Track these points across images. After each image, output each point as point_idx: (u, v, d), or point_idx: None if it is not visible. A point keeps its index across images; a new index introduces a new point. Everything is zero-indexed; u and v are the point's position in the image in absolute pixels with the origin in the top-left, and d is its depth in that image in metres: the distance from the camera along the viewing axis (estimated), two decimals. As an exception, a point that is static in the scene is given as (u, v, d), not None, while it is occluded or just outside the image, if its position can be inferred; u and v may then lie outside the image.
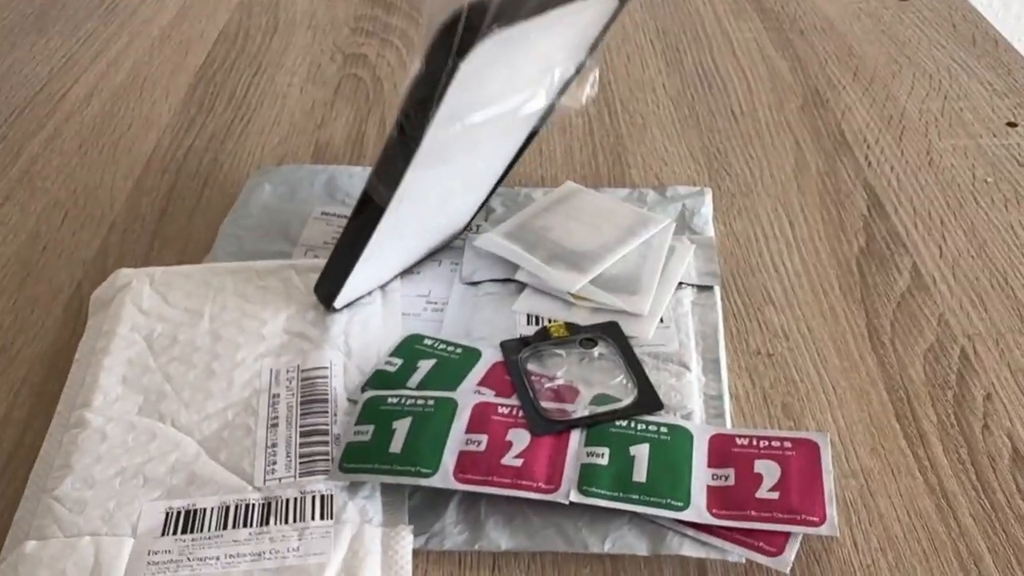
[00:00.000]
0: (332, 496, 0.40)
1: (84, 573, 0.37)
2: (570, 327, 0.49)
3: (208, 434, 0.43)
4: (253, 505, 0.40)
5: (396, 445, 0.42)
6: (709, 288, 0.53)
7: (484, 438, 0.42)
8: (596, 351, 0.48)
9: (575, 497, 0.40)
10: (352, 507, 0.40)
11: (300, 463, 0.41)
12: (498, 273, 0.53)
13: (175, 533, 0.39)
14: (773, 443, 0.42)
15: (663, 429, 0.43)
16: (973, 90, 0.72)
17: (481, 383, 0.46)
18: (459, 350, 0.48)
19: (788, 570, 0.38)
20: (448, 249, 0.56)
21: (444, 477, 0.41)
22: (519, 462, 0.41)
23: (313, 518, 0.39)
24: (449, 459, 0.41)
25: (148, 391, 0.44)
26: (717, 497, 0.40)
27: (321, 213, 0.59)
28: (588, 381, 0.46)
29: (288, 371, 0.45)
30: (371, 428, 0.43)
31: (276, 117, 0.70)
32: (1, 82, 0.75)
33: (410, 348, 0.48)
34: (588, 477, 0.41)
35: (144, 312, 0.48)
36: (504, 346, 0.48)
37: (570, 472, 0.41)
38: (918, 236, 0.57)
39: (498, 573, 0.40)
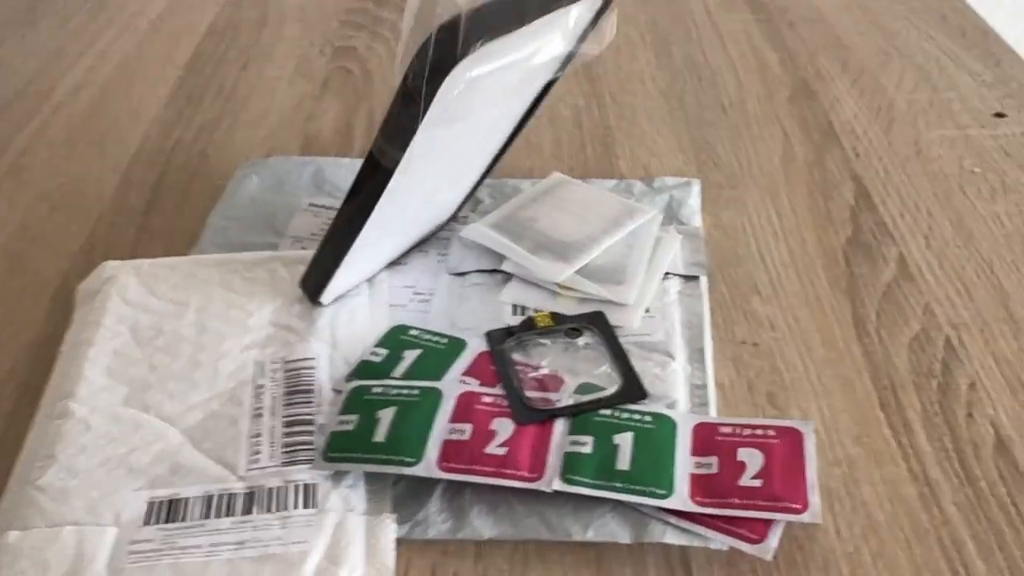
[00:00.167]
0: (315, 485, 0.40)
1: (66, 563, 0.37)
2: (556, 317, 0.49)
3: (192, 424, 0.43)
4: (236, 494, 0.40)
5: (380, 435, 0.42)
6: (695, 278, 0.53)
7: (468, 427, 0.42)
8: (581, 341, 0.48)
9: (558, 486, 0.40)
10: (335, 496, 0.40)
11: (284, 453, 0.42)
12: (485, 263, 0.53)
13: (158, 523, 0.39)
14: (757, 431, 0.42)
15: (647, 418, 0.43)
16: (962, 81, 0.72)
17: (466, 373, 0.46)
18: (444, 340, 0.48)
19: (770, 557, 0.38)
20: (435, 240, 0.56)
21: (428, 466, 0.41)
22: (503, 451, 0.41)
23: (296, 507, 0.39)
24: (433, 448, 0.41)
25: (133, 382, 0.44)
26: (700, 485, 0.40)
27: (309, 205, 0.59)
28: (573, 370, 0.46)
29: (273, 362, 0.45)
30: (355, 418, 0.43)
31: (265, 110, 0.70)
32: (-11, 75, 0.75)
33: (395, 338, 0.48)
34: (572, 465, 0.41)
35: (130, 304, 0.48)
36: (490, 336, 0.48)
37: (554, 461, 0.41)
38: (905, 226, 0.57)
39: (481, 562, 0.40)
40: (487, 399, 0.44)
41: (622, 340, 0.48)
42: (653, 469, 0.41)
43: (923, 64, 0.74)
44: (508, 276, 0.52)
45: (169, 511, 0.39)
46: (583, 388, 0.45)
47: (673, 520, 0.40)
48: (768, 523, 0.39)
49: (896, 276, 0.54)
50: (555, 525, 0.40)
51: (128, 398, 0.44)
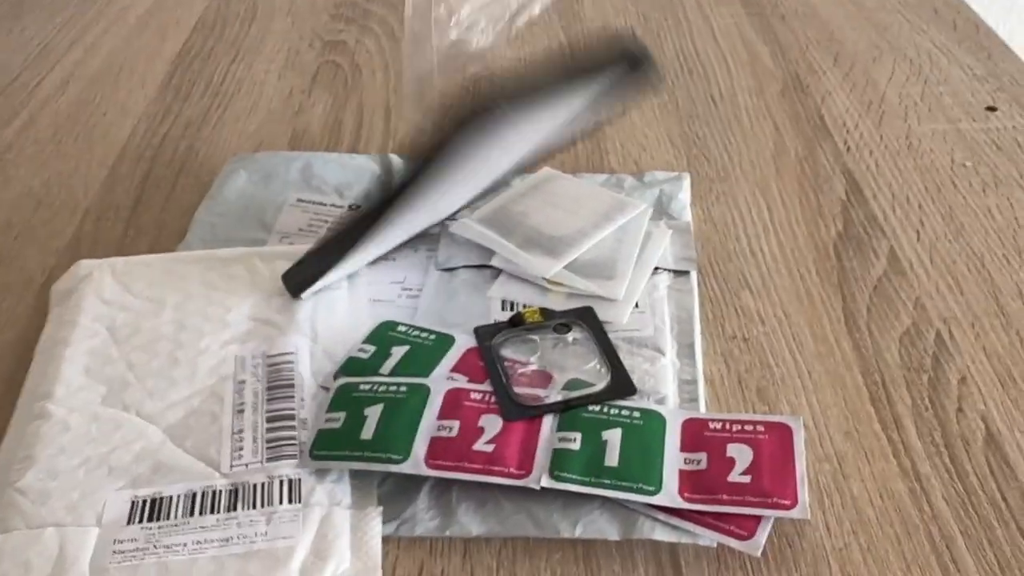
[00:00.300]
0: (300, 480, 0.40)
1: (48, 564, 0.37)
2: (545, 312, 0.49)
3: (173, 422, 0.42)
4: (220, 491, 0.40)
5: (367, 432, 0.41)
6: (685, 273, 0.52)
7: (456, 424, 0.42)
8: (570, 336, 0.48)
9: (546, 482, 0.40)
10: (320, 490, 0.40)
11: (267, 448, 0.41)
12: (474, 259, 0.53)
13: (141, 521, 0.39)
14: (746, 427, 0.42)
15: (636, 414, 0.43)
16: (953, 75, 0.72)
17: (454, 369, 0.45)
18: (433, 336, 0.47)
19: (759, 553, 0.38)
20: (424, 236, 0.55)
21: (415, 464, 0.40)
22: (491, 448, 0.41)
23: (281, 502, 0.39)
24: (420, 445, 0.41)
25: (111, 381, 0.44)
26: (689, 481, 0.40)
27: (297, 200, 0.58)
28: (562, 366, 0.46)
29: (254, 357, 0.45)
30: (342, 415, 0.42)
31: (253, 104, 0.70)
32: (-25, 70, 0.74)
33: (383, 335, 0.48)
34: (560, 462, 0.40)
35: (106, 302, 0.48)
36: (478, 332, 0.48)
37: (542, 457, 0.41)
38: (896, 220, 0.57)
39: (469, 559, 0.39)
40: (475, 395, 0.43)
41: (611, 335, 0.47)
42: (642, 465, 0.40)
43: (915, 58, 0.74)
44: (497, 272, 0.52)
45: (152, 510, 0.39)
46: (572, 384, 0.45)
47: (662, 517, 0.39)
48: (757, 519, 0.39)
49: (887, 270, 0.54)
50: (543, 522, 0.40)
51: (107, 397, 0.43)
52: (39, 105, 0.70)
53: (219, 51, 0.77)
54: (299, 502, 0.39)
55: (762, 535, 0.38)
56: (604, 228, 0.53)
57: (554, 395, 0.44)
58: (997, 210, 0.58)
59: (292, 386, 0.44)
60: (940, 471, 0.42)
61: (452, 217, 0.55)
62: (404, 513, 0.40)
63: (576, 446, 0.41)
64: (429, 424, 0.42)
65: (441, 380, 0.44)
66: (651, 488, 0.40)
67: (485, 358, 0.46)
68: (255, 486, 0.40)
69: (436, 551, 0.40)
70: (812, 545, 0.40)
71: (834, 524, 0.40)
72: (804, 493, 0.39)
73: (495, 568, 0.39)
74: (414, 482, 0.41)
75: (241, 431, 0.42)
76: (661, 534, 0.39)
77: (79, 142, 0.66)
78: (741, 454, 0.41)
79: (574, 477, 0.40)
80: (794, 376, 0.47)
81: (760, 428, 0.42)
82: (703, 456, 0.41)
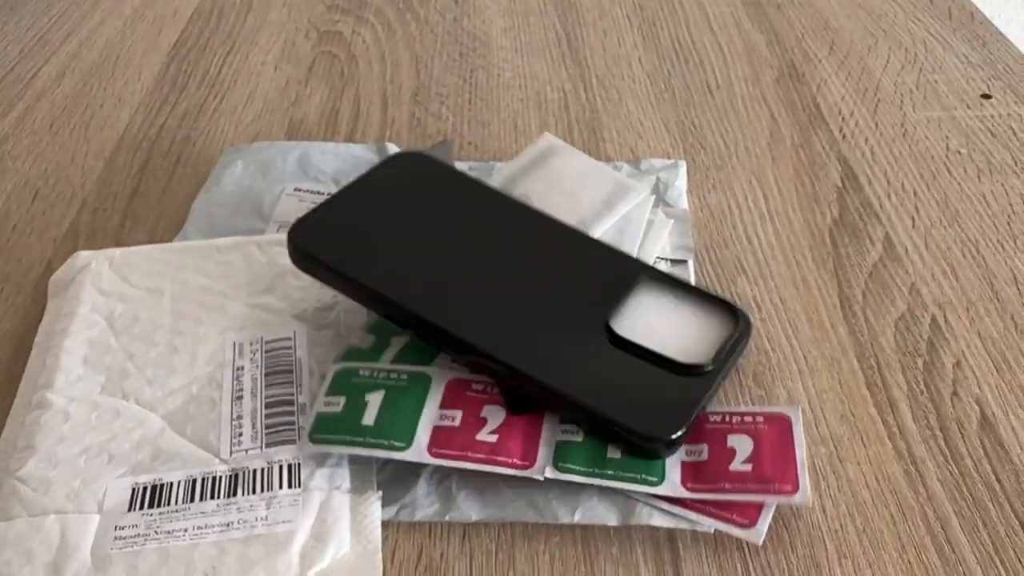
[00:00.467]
0: (299, 465, 0.40)
1: (51, 551, 0.37)
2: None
3: (173, 409, 0.42)
4: (220, 477, 0.40)
5: (369, 418, 0.42)
6: (683, 262, 0.53)
7: (458, 414, 0.42)
8: (568, 323, 0.48)
9: (550, 473, 0.40)
10: (320, 475, 0.40)
11: (266, 434, 0.41)
12: (471, 247, 0.53)
13: (142, 508, 0.39)
14: (746, 418, 0.42)
15: (635, 401, 0.43)
16: (948, 63, 0.72)
17: (455, 359, 0.45)
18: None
19: (761, 541, 0.38)
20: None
21: (419, 451, 0.40)
22: (494, 438, 0.41)
23: (281, 487, 0.39)
24: (423, 434, 0.41)
25: (110, 370, 0.44)
26: (691, 472, 0.40)
27: (294, 189, 0.58)
28: (560, 353, 0.46)
29: (252, 343, 0.45)
30: (342, 400, 0.43)
31: (250, 95, 0.70)
32: (-29, 62, 0.74)
33: (384, 324, 0.48)
34: (563, 454, 0.41)
35: (104, 293, 0.48)
36: (478, 321, 0.48)
37: (545, 449, 0.41)
38: (891, 207, 0.57)
39: (468, 543, 0.40)
40: (477, 386, 0.43)
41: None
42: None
43: (910, 46, 0.74)
44: (494, 259, 0.52)
45: (153, 496, 0.39)
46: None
47: (663, 505, 0.40)
48: (758, 508, 0.39)
49: (882, 256, 0.54)
50: (543, 508, 0.40)
51: (106, 386, 0.43)
52: (35, 97, 0.70)
53: (215, 42, 0.77)
54: (299, 487, 0.39)
55: (764, 523, 0.38)
56: (606, 217, 0.53)
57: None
58: (992, 196, 0.58)
59: (290, 371, 0.44)
60: (935, 454, 0.43)
61: None
62: (404, 498, 0.41)
63: (579, 437, 0.41)
64: (432, 413, 0.42)
65: (443, 370, 0.44)
66: (654, 479, 0.40)
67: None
68: (255, 471, 0.40)
69: (436, 535, 0.40)
70: (808, 527, 0.40)
71: (830, 506, 0.41)
72: (805, 480, 0.39)
73: (494, 551, 0.39)
74: (413, 468, 0.41)
75: (240, 417, 0.42)
76: (660, 520, 0.39)
77: (76, 133, 0.66)
78: (742, 444, 0.41)
79: (578, 468, 0.40)
80: (790, 361, 0.47)
81: (760, 419, 0.42)
82: (704, 447, 0.41)
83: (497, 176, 0.56)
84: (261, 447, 0.41)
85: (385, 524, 0.40)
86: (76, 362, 0.44)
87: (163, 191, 0.60)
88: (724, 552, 0.39)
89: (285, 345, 0.45)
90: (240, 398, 0.43)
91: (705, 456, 0.41)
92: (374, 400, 0.42)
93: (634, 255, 0.51)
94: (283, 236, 0.49)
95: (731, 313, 0.45)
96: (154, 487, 0.40)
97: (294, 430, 0.42)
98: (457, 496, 0.41)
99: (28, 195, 0.60)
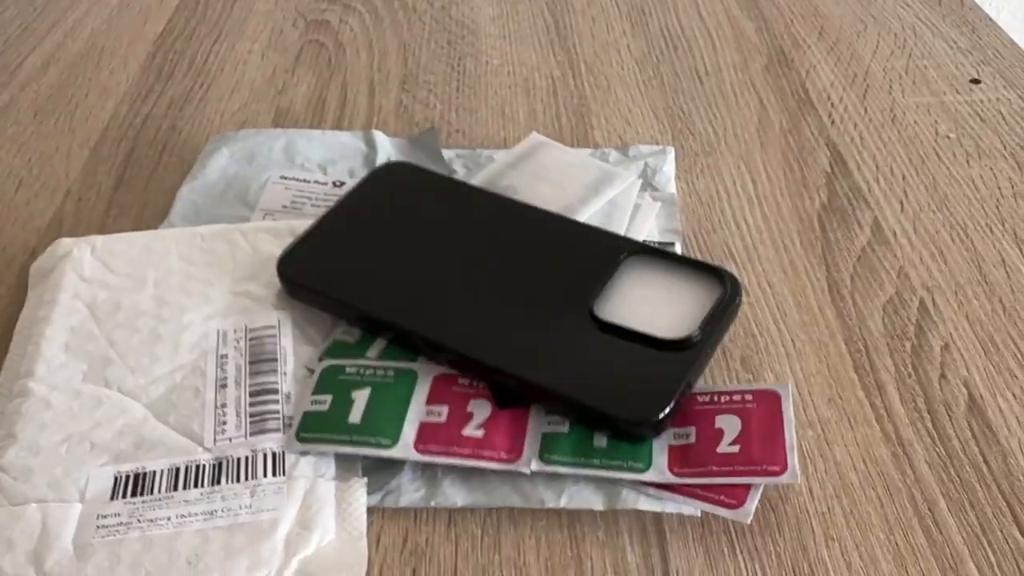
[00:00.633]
0: (284, 453, 0.40)
1: (31, 540, 0.37)
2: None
3: (156, 398, 0.42)
4: (204, 465, 0.39)
5: (355, 415, 0.41)
6: (670, 245, 0.52)
7: (445, 409, 0.42)
8: (555, 309, 0.47)
9: (536, 466, 0.40)
10: (305, 463, 0.40)
11: (250, 422, 0.41)
12: (458, 234, 0.53)
13: (124, 496, 0.39)
14: (734, 397, 0.42)
15: (621, 387, 0.43)
16: (937, 48, 0.72)
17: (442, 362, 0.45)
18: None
19: (749, 521, 0.38)
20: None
21: (405, 448, 0.40)
22: (480, 433, 0.41)
23: (265, 475, 0.39)
24: (409, 430, 0.41)
25: (92, 358, 0.44)
26: (678, 456, 0.40)
27: (280, 177, 0.58)
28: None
29: (236, 331, 0.45)
30: (329, 398, 0.42)
31: (236, 83, 0.69)
32: (-46, 52, 0.73)
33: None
34: (549, 445, 0.41)
35: (86, 280, 0.47)
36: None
37: (531, 441, 0.41)
38: (880, 192, 0.57)
39: (454, 528, 0.39)
40: (463, 381, 0.43)
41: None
42: (631, 445, 0.40)
43: (899, 32, 0.74)
44: (481, 246, 0.52)
45: (136, 485, 0.39)
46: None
47: (650, 490, 0.40)
48: (747, 488, 0.39)
49: (871, 240, 0.54)
50: (529, 493, 0.40)
51: (88, 374, 0.43)
52: (20, 87, 0.69)
53: (202, 31, 0.76)
54: (283, 475, 0.39)
55: (752, 503, 0.38)
56: (592, 203, 0.53)
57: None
58: (980, 180, 0.58)
59: (275, 360, 0.44)
60: (923, 436, 0.43)
61: None
62: (389, 484, 0.40)
63: (565, 429, 0.41)
64: (418, 409, 0.42)
65: (429, 365, 0.44)
66: (641, 465, 0.40)
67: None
68: (239, 460, 0.40)
69: (421, 520, 0.40)
70: (796, 510, 0.40)
71: (817, 489, 0.41)
72: (794, 459, 0.39)
73: (480, 536, 0.39)
74: (399, 454, 0.41)
75: (224, 405, 0.42)
76: (647, 504, 0.39)
77: (60, 123, 0.65)
78: (730, 424, 0.41)
79: (564, 459, 0.40)
80: (778, 345, 0.47)
81: (748, 397, 0.42)
82: (692, 430, 0.41)
83: (483, 173, 0.55)
84: (245, 435, 0.41)
85: (370, 510, 0.39)
86: (57, 350, 0.44)
87: (148, 180, 0.60)
88: (711, 535, 0.39)
89: (269, 333, 0.45)
90: (224, 386, 0.42)
91: (693, 439, 0.41)
92: (360, 398, 0.42)
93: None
94: (268, 224, 0.48)
95: (718, 277, 0.45)
96: (137, 475, 0.39)
97: (279, 418, 0.41)
98: (443, 482, 0.40)
99: (12, 184, 0.60)
